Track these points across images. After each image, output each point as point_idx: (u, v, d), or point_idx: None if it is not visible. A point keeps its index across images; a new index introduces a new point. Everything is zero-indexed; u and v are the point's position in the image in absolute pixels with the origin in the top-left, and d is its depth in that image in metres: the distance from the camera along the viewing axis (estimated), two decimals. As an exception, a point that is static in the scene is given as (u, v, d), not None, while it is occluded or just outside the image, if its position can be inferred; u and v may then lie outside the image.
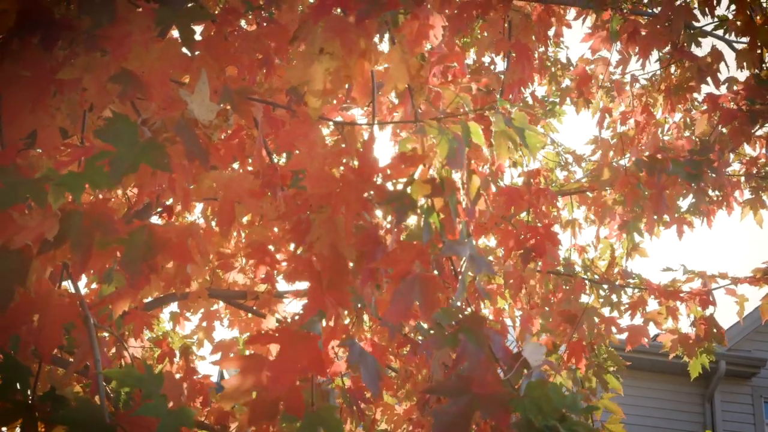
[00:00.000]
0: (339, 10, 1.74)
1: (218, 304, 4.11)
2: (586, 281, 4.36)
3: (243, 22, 3.30)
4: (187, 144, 1.69)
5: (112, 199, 4.08)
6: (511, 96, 3.89)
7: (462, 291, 1.57)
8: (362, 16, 1.68)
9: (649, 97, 4.72)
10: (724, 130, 3.78)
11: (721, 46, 4.13)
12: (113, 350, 3.36)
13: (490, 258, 4.59)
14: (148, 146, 1.64)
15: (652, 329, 4.37)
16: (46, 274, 1.68)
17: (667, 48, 4.06)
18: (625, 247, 4.61)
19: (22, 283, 1.62)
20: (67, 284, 1.88)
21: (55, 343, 1.67)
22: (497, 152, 1.91)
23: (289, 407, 1.55)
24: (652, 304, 4.38)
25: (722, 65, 4.02)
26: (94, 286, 3.47)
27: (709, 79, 4.03)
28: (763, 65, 3.88)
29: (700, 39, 4.10)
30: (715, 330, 4.20)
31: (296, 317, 1.72)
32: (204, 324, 4.03)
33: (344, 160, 1.77)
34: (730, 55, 4.04)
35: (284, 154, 3.08)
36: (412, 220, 1.74)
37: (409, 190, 1.70)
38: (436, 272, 1.80)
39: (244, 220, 3.68)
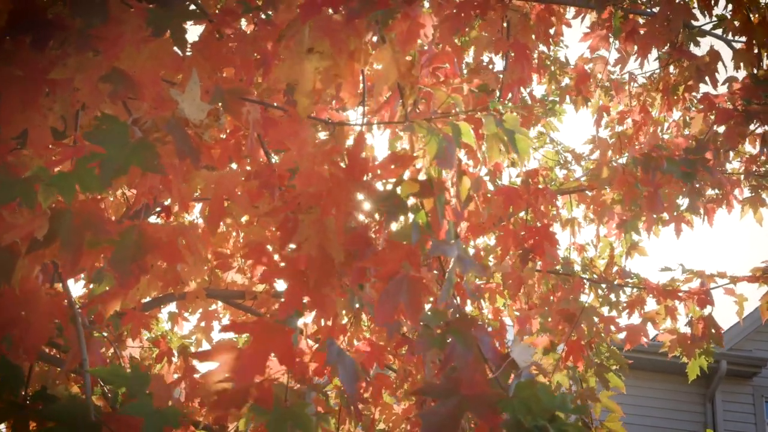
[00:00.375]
0: (330, 10, 1.74)
1: (217, 304, 4.12)
2: (585, 280, 4.35)
3: (243, 22, 3.31)
4: (177, 143, 1.69)
5: (111, 199, 4.09)
6: (510, 95, 3.89)
7: (448, 291, 1.56)
8: (352, 15, 1.67)
9: (648, 96, 4.71)
10: (719, 129, 3.77)
11: (721, 45, 4.13)
12: (111, 350, 3.37)
13: (491, 257, 4.59)
14: (138, 147, 1.64)
15: (652, 329, 4.37)
16: (34, 273, 1.68)
17: (666, 47, 4.06)
18: (624, 246, 4.61)
19: (7, 281, 1.62)
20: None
21: (41, 342, 1.67)
22: (489, 154, 1.90)
23: (258, 399, 1.55)
24: (651, 304, 4.38)
25: (721, 65, 4.02)
26: (92, 286, 3.48)
27: (707, 78, 4.03)
28: (761, 65, 3.88)
29: (699, 38, 4.10)
30: (713, 330, 4.19)
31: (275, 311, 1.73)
32: (202, 324, 4.03)
33: (334, 159, 1.77)
34: (730, 55, 4.04)
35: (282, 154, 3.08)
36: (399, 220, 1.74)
37: (398, 190, 1.70)
38: (435, 272, 1.80)
39: (243, 220, 3.68)
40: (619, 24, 3.93)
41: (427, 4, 3.64)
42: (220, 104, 1.84)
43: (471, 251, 4.35)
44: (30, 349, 1.68)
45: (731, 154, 4.25)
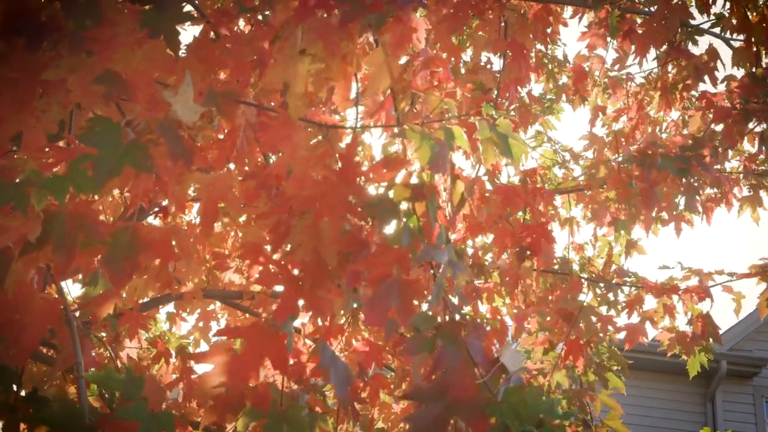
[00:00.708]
0: (323, 12, 1.74)
1: (215, 304, 4.12)
2: (584, 280, 4.35)
3: (242, 23, 3.30)
4: (170, 145, 1.69)
5: (110, 200, 4.08)
6: (507, 95, 3.88)
7: (438, 296, 1.56)
8: (346, 19, 1.67)
9: (646, 95, 4.71)
10: (717, 128, 3.77)
11: (720, 44, 4.13)
12: (108, 351, 3.37)
13: (489, 255, 4.59)
14: (131, 148, 1.64)
15: (651, 330, 4.37)
16: (28, 276, 1.68)
17: (664, 46, 4.06)
18: (622, 245, 4.61)
19: (0, 284, 1.62)
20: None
21: (34, 345, 1.68)
22: (484, 157, 1.90)
23: (255, 403, 1.55)
24: (650, 303, 4.38)
25: (720, 64, 4.01)
26: (87, 288, 3.48)
27: (706, 77, 4.03)
28: (761, 63, 3.87)
29: (696, 37, 4.09)
30: (711, 328, 4.20)
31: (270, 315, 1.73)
32: (200, 324, 4.03)
33: (327, 163, 1.77)
34: (728, 53, 4.03)
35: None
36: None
37: (390, 194, 1.70)
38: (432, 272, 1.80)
39: (241, 219, 3.68)
40: (616, 23, 3.93)
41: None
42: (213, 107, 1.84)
43: (470, 251, 4.35)
44: (22, 351, 1.68)
45: (730, 152, 4.25)
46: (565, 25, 4.28)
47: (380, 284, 1.57)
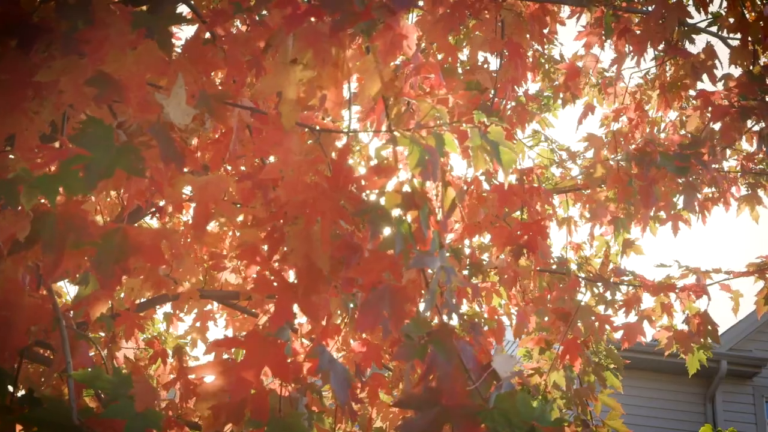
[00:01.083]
0: (312, 19, 1.73)
1: (212, 305, 4.11)
2: (581, 279, 4.35)
3: (239, 24, 3.30)
4: (162, 147, 1.69)
5: (108, 200, 4.08)
6: (505, 94, 3.88)
7: (431, 303, 1.55)
8: (336, 27, 1.67)
9: (644, 94, 4.71)
10: (715, 126, 3.77)
11: (716, 43, 4.13)
12: (104, 351, 3.37)
13: (486, 255, 4.58)
14: (123, 150, 1.64)
15: (650, 329, 4.37)
16: (18, 275, 1.68)
17: (662, 45, 4.05)
18: (620, 244, 4.60)
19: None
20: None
21: (23, 345, 1.67)
22: (474, 163, 1.90)
23: (255, 411, 1.55)
24: (647, 302, 4.38)
25: (718, 62, 4.01)
26: (79, 288, 3.48)
27: (704, 76, 4.02)
28: (758, 61, 3.87)
29: (694, 36, 4.09)
30: (709, 327, 4.19)
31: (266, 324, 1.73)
32: (198, 324, 4.03)
33: (319, 168, 1.76)
34: (726, 52, 4.03)
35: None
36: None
37: (382, 201, 1.69)
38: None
39: (239, 219, 3.68)
40: (610, 23, 3.93)
41: (421, 4, 3.63)
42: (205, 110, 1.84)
43: (467, 251, 4.35)
44: (11, 351, 1.68)
45: (728, 151, 4.25)
46: (563, 24, 4.27)
47: (371, 291, 1.57)
